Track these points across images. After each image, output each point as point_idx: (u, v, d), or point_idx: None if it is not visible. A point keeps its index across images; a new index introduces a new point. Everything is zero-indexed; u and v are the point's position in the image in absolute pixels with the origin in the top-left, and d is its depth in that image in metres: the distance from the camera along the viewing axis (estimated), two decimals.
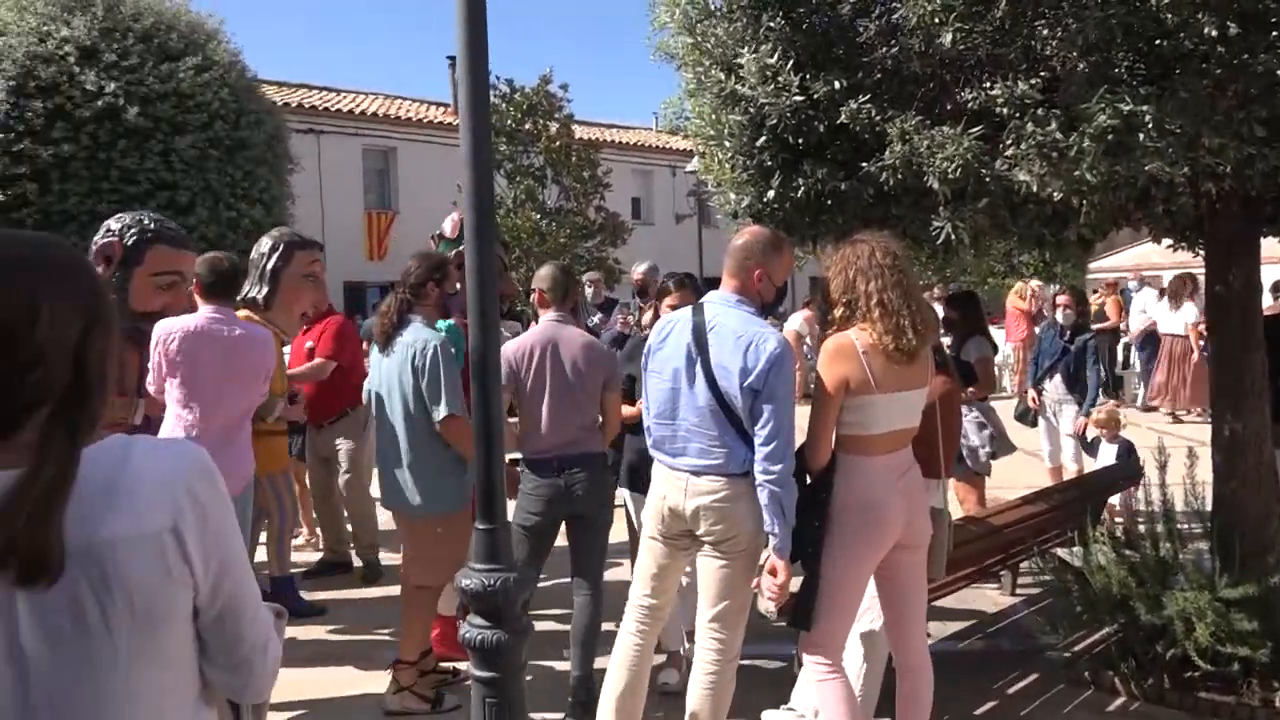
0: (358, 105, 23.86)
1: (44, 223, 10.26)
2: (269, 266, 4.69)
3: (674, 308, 4.14)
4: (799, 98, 3.76)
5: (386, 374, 4.17)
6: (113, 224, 3.92)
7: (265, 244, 4.79)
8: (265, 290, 4.69)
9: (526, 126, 18.97)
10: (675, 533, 3.36)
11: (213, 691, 1.38)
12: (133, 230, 3.86)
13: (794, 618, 3.23)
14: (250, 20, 63.77)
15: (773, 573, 3.12)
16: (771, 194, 4.08)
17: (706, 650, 3.34)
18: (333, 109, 22.87)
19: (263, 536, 5.41)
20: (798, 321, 14.71)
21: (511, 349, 4.13)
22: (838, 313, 3.27)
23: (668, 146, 28.75)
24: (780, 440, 3.10)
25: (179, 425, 3.80)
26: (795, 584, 3.22)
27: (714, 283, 3.53)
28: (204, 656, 1.34)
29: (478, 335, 2.75)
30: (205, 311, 3.96)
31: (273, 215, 12.11)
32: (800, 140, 3.96)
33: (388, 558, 6.18)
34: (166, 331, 3.81)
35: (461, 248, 3.86)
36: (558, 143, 19.04)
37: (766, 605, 3.19)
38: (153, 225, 3.91)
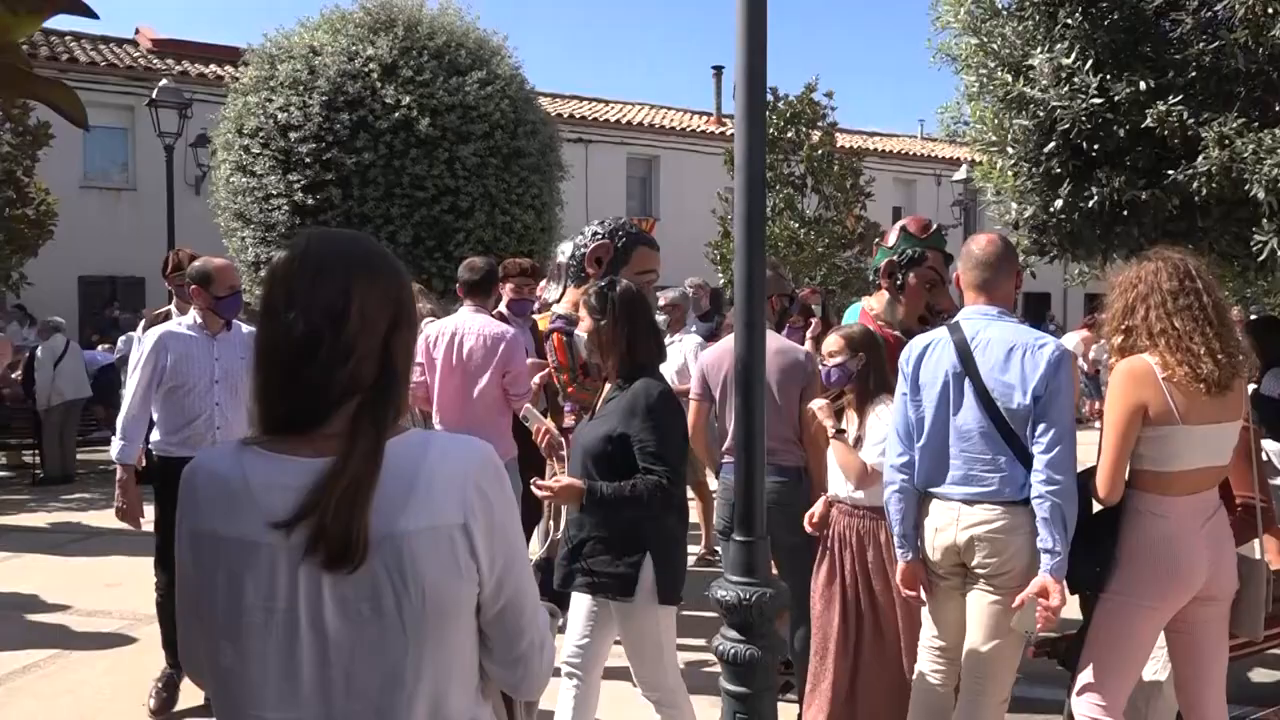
0: (624, 115, 24.64)
1: (345, 223, 11.25)
2: (574, 270, 4.93)
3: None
4: (1097, 100, 3.48)
5: None
6: (598, 228, 4.30)
7: (568, 248, 5.01)
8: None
9: (789, 135, 18.85)
10: (949, 567, 3.13)
11: (490, 686, 1.41)
12: (621, 233, 4.20)
13: (1065, 658, 2.96)
14: (529, 37, 67.56)
15: (1044, 594, 2.84)
16: (1059, 204, 3.80)
17: (971, 692, 3.12)
18: (600, 119, 23.74)
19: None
20: (1073, 341, 13.74)
21: (709, 359, 4.09)
22: (1116, 341, 2.98)
23: (932, 155, 27.69)
24: (1063, 449, 2.86)
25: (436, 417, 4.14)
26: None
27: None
28: (484, 651, 1.38)
29: (743, 344, 2.71)
30: (465, 310, 4.30)
31: (543, 221, 12.70)
32: (1095, 146, 3.66)
33: None
34: (437, 330, 4.18)
35: (913, 248, 3.87)
36: (819, 150, 18.79)
37: (1026, 623, 2.93)
38: (634, 229, 4.26)
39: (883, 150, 27.41)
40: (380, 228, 11.32)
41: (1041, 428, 2.88)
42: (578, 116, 23.09)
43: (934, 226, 3.99)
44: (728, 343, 4.13)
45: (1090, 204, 3.70)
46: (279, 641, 1.25)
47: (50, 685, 4.54)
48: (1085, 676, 2.93)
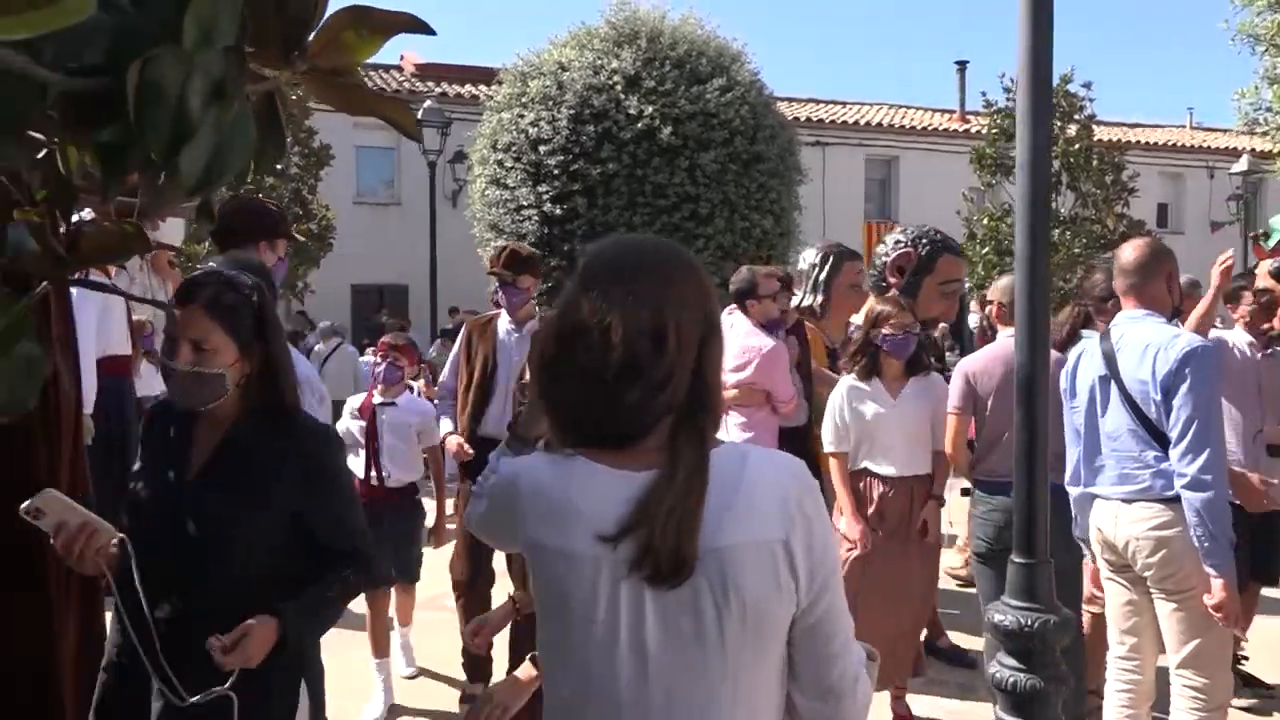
0: (862, 116, 24.13)
1: (590, 233, 11.63)
2: (820, 277, 4.87)
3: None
4: None
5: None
6: (900, 236, 4.36)
7: (813, 255, 4.95)
8: (819, 299, 4.88)
9: None
10: (1116, 565, 3.17)
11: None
12: (925, 241, 4.24)
13: None
14: (768, 41, 67.53)
15: (1217, 607, 2.83)
16: None
17: (1184, 700, 2.95)
18: (838, 121, 23.36)
19: None
20: None
21: (978, 366, 3.93)
22: None
23: (1204, 145, 25.34)
24: (1197, 442, 2.84)
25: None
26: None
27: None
28: (793, 680, 1.32)
29: (1025, 353, 2.54)
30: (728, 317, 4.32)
31: (781, 226, 12.63)
32: None
33: None
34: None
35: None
36: (1076, 145, 17.64)
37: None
38: (939, 236, 4.29)
39: (1147, 142, 25.37)
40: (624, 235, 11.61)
41: (1173, 421, 2.93)
42: (814, 119, 22.82)
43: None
44: (996, 349, 3.92)
45: None
46: (599, 656, 1.25)
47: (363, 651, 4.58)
48: None
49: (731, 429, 4.30)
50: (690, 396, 1.26)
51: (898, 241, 4.20)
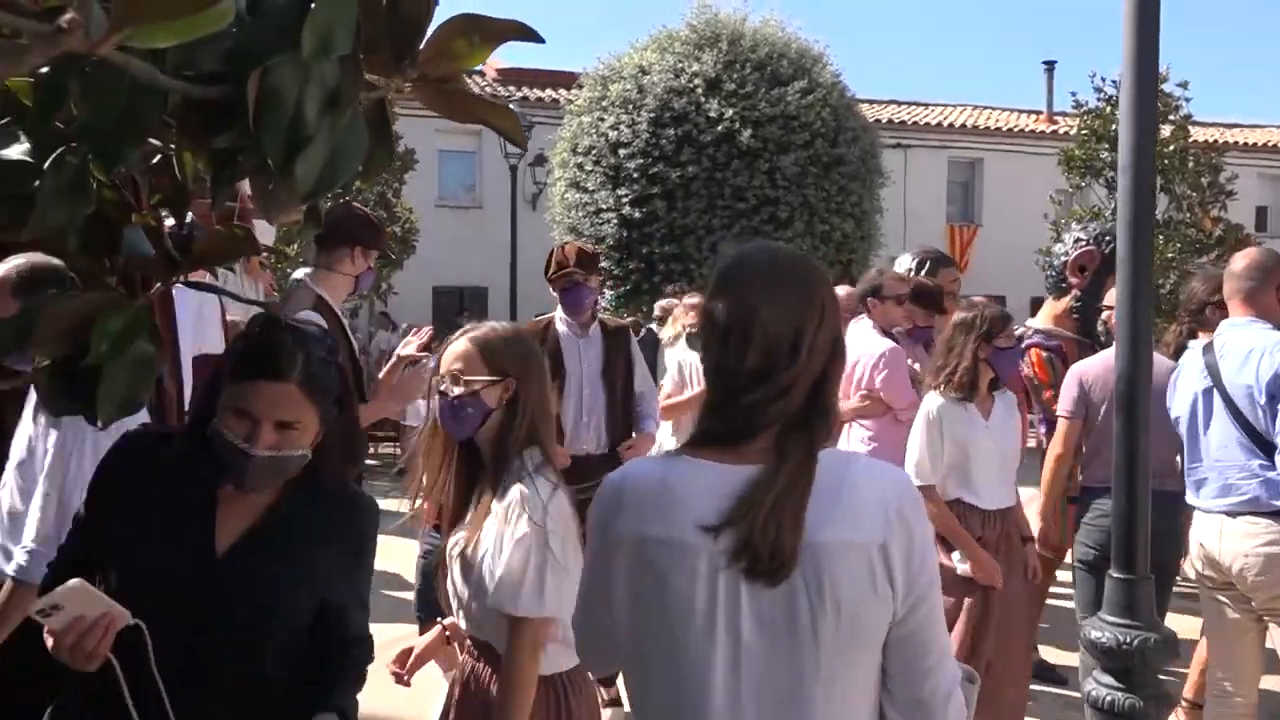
0: (945, 118, 23.69)
1: (669, 235, 11.65)
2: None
3: None
4: None
5: None
6: (1081, 234, 4.27)
7: (908, 260, 4.87)
8: None
9: None
10: (1219, 582, 3.06)
11: None
12: (1108, 238, 4.15)
13: None
14: (850, 42, 66.90)
15: None
16: None
17: None
18: (920, 123, 22.98)
19: None
20: None
21: (1093, 371, 3.79)
22: None
23: None
24: None
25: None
26: None
27: None
28: (886, 691, 1.31)
29: (1127, 360, 2.46)
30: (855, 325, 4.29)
31: (862, 229, 12.49)
32: None
33: None
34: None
35: None
36: (1171, 147, 17.06)
37: None
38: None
39: (1245, 143, 24.44)
40: (701, 239, 11.61)
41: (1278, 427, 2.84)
42: (896, 121, 22.47)
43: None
44: (1111, 355, 3.81)
45: None
46: (696, 644, 1.27)
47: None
48: None
49: (854, 443, 4.10)
50: (806, 405, 1.28)
51: (1078, 240, 4.05)
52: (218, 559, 1.67)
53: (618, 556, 1.33)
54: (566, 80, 16.64)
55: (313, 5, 0.94)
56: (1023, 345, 3.94)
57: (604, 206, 11.94)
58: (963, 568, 3.34)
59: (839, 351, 1.33)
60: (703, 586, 1.25)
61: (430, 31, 1.05)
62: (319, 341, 1.71)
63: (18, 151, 1.11)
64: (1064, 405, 3.78)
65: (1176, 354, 3.87)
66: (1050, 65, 24.57)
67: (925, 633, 1.28)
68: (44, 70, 0.96)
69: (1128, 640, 2.41)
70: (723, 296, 1.32)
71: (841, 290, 4.29)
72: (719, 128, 11.65)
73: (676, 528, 1.27)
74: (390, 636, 5.22)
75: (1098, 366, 3.78)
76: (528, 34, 1.04)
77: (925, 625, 1.28)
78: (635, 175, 11.77)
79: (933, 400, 3.43)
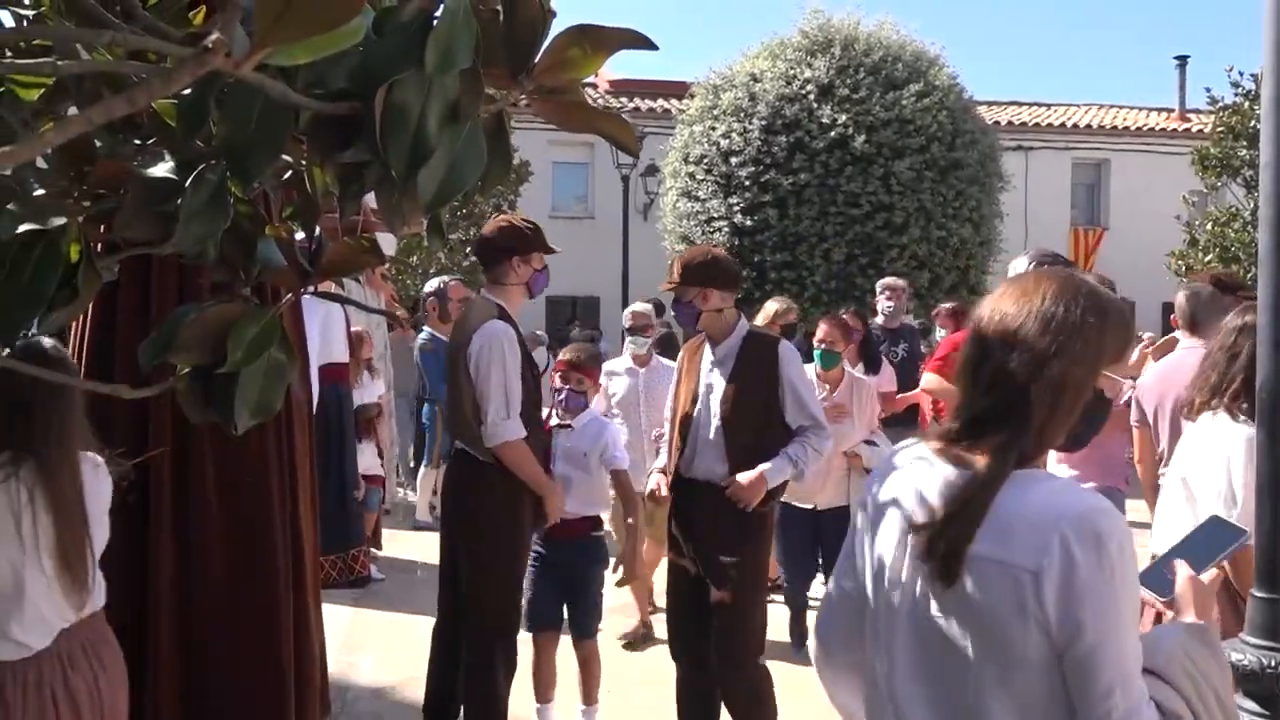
0: (1069, 118, 22.86)
1: (780, 243, 11.56)
2: None
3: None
4: None
5: None
6: None
7: (1024, 263, 4.74)
8: None
9: None
10: None
11: None
12: None
13: None
14: (967, 43, 65.35)
15: None
16: None
17: None
18: (1043, 124, 22.24)
19: None
20: None
21: (1152, 378, 3.69)
22: None
23: None
24: None
25: None
26: None
27: None
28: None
29: (1269, 367, 2.33)
30: None
31: (980, 234, 12.15)
32: None
33: None
34: None
35: None
36: None
37: None
38: None
39: None
40: (814, 246, 11.48)
41: None
42: (1017, 123, 21.79)
43: None
44: (1174, 361, 3.65)
45: None
46: (885, 621, 1.42)
47: None
48: None
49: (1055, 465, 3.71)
50: (1045, 420, 1.34)
51: None
52: None
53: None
54: (678, 90, 16.70)
55: (435, 21, 0.97)
56: None
57: (715, 215, 11.91)
58: None
59: (1085, 391, 1.37)
60: (907, 566, 1.40)
61: (545, 44, 1.07)
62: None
63: (163, 169, 1.18)
64: (1135, 413, 3.72)
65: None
66: (1182, 60, 23.50)
67: (1096, 658, 1.28)
68: (186, 91, 1.02)
69: (1271, 664, 2.28)
70: (999, 300, 1.43)
71: None
72: (832, 134, 11.49)
73: (896, 503, 1.45)
74: None
75: (1154, 377, 3.69)
76: (641, 41, 1.06)
77: (1095, 653, 1.28)
78: (747, 183, 11.70)
79: (1242, 433, 2.70)
